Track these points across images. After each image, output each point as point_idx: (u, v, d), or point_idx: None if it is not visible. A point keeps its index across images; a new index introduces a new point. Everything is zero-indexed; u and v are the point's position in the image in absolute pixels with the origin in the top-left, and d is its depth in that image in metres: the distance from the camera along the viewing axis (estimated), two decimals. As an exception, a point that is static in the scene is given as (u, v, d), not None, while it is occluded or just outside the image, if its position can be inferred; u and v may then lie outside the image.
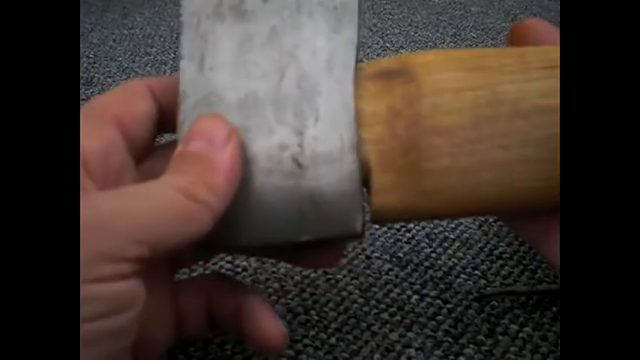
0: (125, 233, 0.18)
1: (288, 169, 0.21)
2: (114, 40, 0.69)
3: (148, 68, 0.61)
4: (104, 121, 0.22)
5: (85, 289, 0.16)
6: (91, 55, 0.65)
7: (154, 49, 0.67)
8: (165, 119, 0.24)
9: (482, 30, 0.70)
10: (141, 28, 0.73)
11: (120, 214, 0.18)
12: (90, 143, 0.21)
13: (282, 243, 0.21)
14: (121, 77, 0.59)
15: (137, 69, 0.61)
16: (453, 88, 0.21)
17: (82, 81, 0.59)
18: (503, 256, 0.34)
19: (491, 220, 0.37)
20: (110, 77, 0.59)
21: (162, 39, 0.70)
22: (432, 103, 0.21)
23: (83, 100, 0.54)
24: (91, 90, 0.57)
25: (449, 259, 0.34)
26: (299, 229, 0.21)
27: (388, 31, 0.71)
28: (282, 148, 0.21)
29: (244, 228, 0.21)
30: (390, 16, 0.76)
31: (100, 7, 0.82)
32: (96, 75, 0.60)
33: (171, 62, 0.63)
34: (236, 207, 0.20)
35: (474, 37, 0.67)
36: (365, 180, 0.22)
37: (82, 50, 0.66)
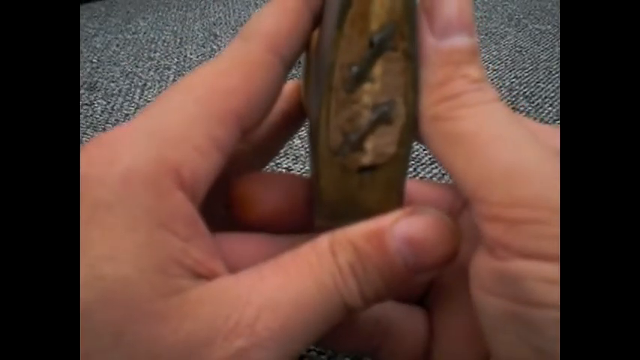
0: None
1: None
2: (117, 45, 0.70)
3: (152, 73, 0.61)
4: (223, 119, 0.15)
5: None
6: (94, 60, 0.65)
7: (157, 54, 0.67)
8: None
9: (486, 34, 0.69)
10: (144, 33, 0.73)
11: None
12: (201, 162, 0.14)
13: None
14: (124, 82, 0.59)
15: (140, 73, 0.61)
16: None
17: (85, 86, 0.59)
18: None
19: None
20: (113, 82, 0.59)
21: (165, 44, 0.70)
22: None
23: (86, 105, 0.55)
24: (94, 95, 0.57)
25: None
26: None
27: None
28: None
29: None
30: (393, 21, 0.76)
31: (104, 12, 0.82)
32: (99, 80, 0.60)
33: (174, 67, 0.63)
34: None
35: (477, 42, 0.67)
36: None
37: (85, 55, 0.66)
